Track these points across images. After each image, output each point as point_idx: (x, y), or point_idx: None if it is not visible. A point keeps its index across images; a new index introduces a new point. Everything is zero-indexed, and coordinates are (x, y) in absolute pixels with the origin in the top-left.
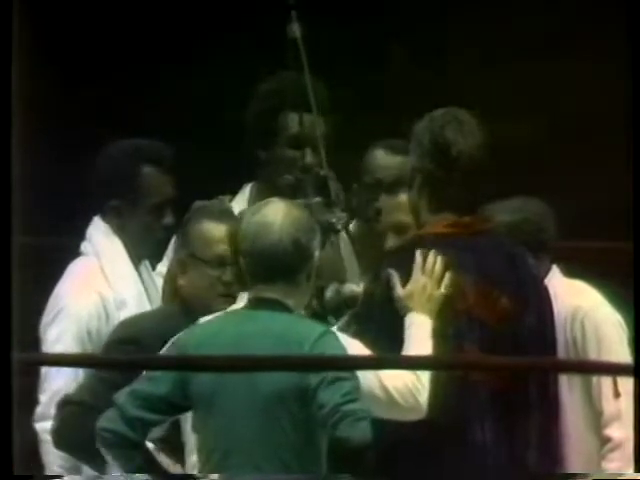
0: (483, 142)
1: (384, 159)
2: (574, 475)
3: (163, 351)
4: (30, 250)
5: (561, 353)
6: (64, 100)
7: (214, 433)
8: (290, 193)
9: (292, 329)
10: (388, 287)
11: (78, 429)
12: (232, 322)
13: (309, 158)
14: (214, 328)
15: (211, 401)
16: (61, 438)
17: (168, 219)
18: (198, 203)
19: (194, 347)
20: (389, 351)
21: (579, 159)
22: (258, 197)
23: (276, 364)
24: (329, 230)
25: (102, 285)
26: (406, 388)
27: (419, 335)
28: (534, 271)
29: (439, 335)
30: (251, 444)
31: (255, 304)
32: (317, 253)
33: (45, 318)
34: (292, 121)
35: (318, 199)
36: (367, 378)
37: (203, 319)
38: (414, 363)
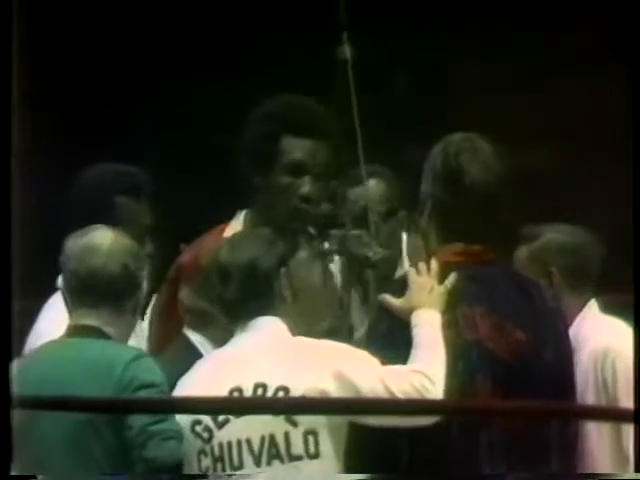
0: (499, 173)
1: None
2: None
3: None
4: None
5: (591, 393)
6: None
7: (32, 452)
8: (288, 221)
9: (104, 354)
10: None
11: None
12: (47, 351)
13: (309, 187)
14: (35, 356)
15: (32, 419)
16: None
17: (148, 248)
18: None
19: (19, 377)
20: None
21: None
22: (252, 224)
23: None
24: (364, 264)
25: None
26: (414, 390)
27: (428, 330)
28: (551, 304)
29: (450, 368)
30: (64, 467)
31: (73, 332)
32: (145, 285)
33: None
34: (292, 147)
35: (357, 232)
36: (372, 385)
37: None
38: (424, 407)
